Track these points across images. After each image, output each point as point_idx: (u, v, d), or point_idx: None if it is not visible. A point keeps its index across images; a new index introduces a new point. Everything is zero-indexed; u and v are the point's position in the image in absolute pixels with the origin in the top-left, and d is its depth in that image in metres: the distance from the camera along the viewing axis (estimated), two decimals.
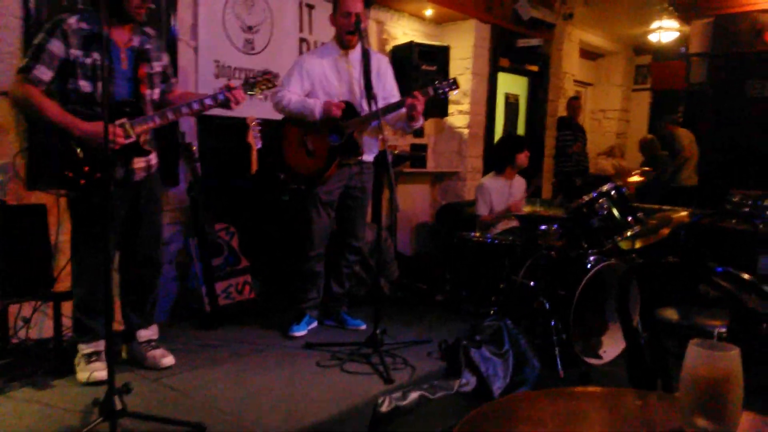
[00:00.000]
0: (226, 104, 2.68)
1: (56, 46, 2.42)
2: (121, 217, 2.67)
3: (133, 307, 2.85)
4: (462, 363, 2.83)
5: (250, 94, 2.80)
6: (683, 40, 6.93)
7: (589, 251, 3.42)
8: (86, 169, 2.46)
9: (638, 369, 2.90)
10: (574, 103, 6.81)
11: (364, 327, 3.57)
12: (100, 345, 2.62)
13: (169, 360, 2.85)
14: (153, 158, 2.76)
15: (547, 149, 6.58)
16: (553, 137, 6.64)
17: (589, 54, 8.22)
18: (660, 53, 7.89)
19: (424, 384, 2.70)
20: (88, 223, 2.56)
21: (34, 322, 2.94)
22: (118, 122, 2.48)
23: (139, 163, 2.66)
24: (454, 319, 3.80)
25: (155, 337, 2.91)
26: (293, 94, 3.28)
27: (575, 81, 7.40)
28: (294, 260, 3.62)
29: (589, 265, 3.20)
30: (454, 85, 3.27)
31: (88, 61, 2.47)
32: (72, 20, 2.45)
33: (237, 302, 3.67)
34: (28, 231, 2.76)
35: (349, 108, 3.30)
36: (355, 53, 3.36)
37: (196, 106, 2.63)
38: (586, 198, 3.51)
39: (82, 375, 2.60)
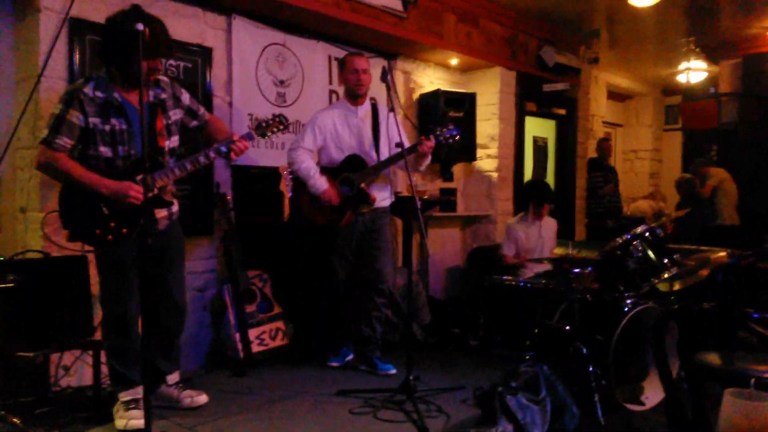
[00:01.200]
0: (227, 155, 2.77)
1: (75, 117, 2.53)
2: (146, 266, 2.70)
3: (162, 354, 2.90)
4: (498, 410, 2.76)
5: (262, 137, 2.96)
6: (712, 79, 6.91)
7: (626, 294, 3.36)
8: (112, 225, 2.56)
9: (678, 417, 2.81)
10: (604, 144, 6.79)
11: (394, 371, 3.57)
12: (139, 392, 2.66)
13: (203, 398, 2.94)
14: (174, 206, 2.83)
15: (578, 191, 6.54)
16: (584, 179, 6.60)
17: (617, 95, 8.23)
18: (689, 93, 7.86)
19: None
20: (113, 276, 2.65)
21: (74, 370, 3.00)
22: (138, 178, 2.56)
23: (161, 213, 2.75)
24: (488, 364, 3.74)
25: (178, 380, 2.97)
26: (307, 155, 3.54)
27: (604, 122, 7.40)
28: (325, 306, 3.76)
29: (626, 309, 3.14)
30: (455, 131, 3.52)
31: (107, 128, 2.58)
32: (87, 89, 2.55)
33: (270, 349, 3.69)
34: (69, 281, 2.85)
35: (357, 160, 3.56)
36: (364, 107, 3.65)
37: (202, 160, 2.73)
38: (619, 240, 3.46)
39: (120, 422, 2.63)
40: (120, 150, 2.59)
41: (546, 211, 4.39)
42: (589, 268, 3.67)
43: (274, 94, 4.20)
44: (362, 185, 3.53)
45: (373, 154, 3.59)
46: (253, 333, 3.62)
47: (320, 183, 3.52)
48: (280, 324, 3.78)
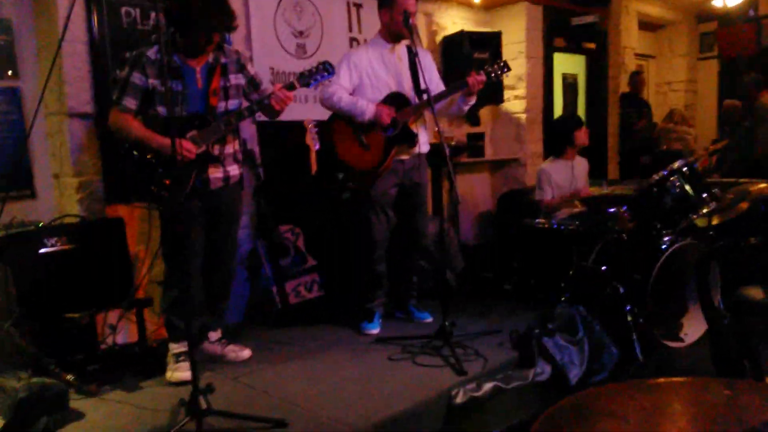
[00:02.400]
0: (269, 107, 2.78)
1: (138, 78, 2.65)
2: (203, 223, 2.81)
3: (210, 310, 2.97)
4: (535, 352, 2.78)
5: (305, 86, 2.88)
6: (751, 2, 6.53)
7: (663, 231, 3.29)
8: (167, 182, 2.62)
9: (723, 352, 2.78)
10: (636, 77, 6.54)
11: (430, 320, 3.57)
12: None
13: (247, 353, 3.03)
14: (233, 170, 2.88)
15: (611, 127, 6.34)
16: (616, 115, 6.40)
17: (648, 25, 7.86)
18: (726, 18, 7.45)
19: (497, 375, 2.68)
20: (173, 231, 2.71)
21: (120, 328, 3.10)
22: (188, 135, 2.65)
23: (215, 172, 2.79)
24: (523, 308, 3.73)
25: (221, 336, 3.06)
26: (344, 91, 3.26)
27: (636, 54, 7.10)
28: (357, 260, 3.62)
29: (664, 246, 3.08)
30: (506, 67, 3.27)
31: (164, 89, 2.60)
32: (150, 52, 2.66)
33: (306, 300, 3.75)
34: (108, 244, 2.92)
35: (400, 98, 3.30)
36: (401, 47, 3.40)
37: (245, 113, 2.76)
38: (656, 177, 3.37)
39: (170, 374, 2.74)
40: (175, 111, 2.66)
41: (585, 137, 4.21)
42: (624, 207, 3.60)
43: (294, 46, 4.12)
44: (408, 123, 3.29)
45: (413, 95, 3.35)
46: (289, 285, 3.67)
47: (366, 105, 3.22)
48: (314, 276, 3.83)
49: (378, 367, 2.88)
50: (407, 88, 3.36)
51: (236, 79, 2.84)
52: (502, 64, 3.28)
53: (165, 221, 2.80)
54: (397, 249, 3.58)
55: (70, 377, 2.55)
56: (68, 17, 3.01)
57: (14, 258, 2.62)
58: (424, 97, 3.09)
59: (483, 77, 3.21)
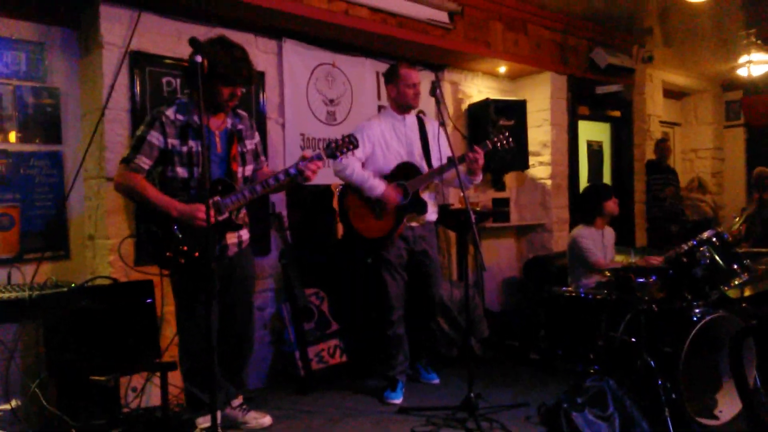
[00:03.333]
0: (302, 175, 2.75)
1: (155, 138, 2.65)
2: (218, 292, 2.78)
3: (230, 378, 2.96)
4: (564, 428, 2.70)
5: (332, 158, 2.93)
6: None
7: (694, 303, 3.22)
8: (184, 248, 2.62)
9: (758, 430, 2.66)
10: (662, 145, 6.55)
11: (437, 381, 3.66)
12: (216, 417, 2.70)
13: (268, 419, 3.00)
14: (244, 234, 2.90)
15: (637, 195, 6.32)
16: (642, 182, 6.39)
17: (674, 93, 7.95)
18: (751, 87, 7.50)
19: None
20: (189, 300, 2.72)
21: (143, 391, 3.10)
22: (211, 201, 2.61)
23: (231, 239, 2.82)
24: (550, 379, 3.65)
25: (242, 402, 3.02)
26: (357, 163, 3.38)
27: (661, 122, 7.15)
28: (379, 324, 3.64)
29: (695, 318, 3.01)
30: (510, 137, 3.43)
31: (185, 149, 2.68)
32: (169, 112, 2.68)
33: (329, 366, 3.71)
34: (136, 305, 2.95)
35: (410, 167, 3.45)
36: (411, 118, 3.58)
37: (272, 182, 2.75)
38: (685, 247, 3.33)
39: None
40: (195, 171, 2.67)
41: (616, 207, 4.19)
42: (654, 277, 3.54)
43: (325, 113, 4.26)
44: (419, 192, 3.42)
45: (424, 164, 3.50)
46: (312, 350, 3.65)
47: (378, 184, 3.34)
48: (337, 341, 3.81)
49: None
50: (417, 157, 3.51)
51: (250, 145, 2.91)
52: (506, 134, 3.44)
53: (178, 290, 2.78)
54: (414, 316, 3.65)
55: None
56: (112, 85, 3.20)
57: (46, 318, 2.67)
58: (433, 165, 3.35)
59: (481, 151, 3.32)
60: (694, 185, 6.98)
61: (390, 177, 3.46)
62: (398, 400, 3.37)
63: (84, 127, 3.40)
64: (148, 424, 2.88)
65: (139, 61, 3.31)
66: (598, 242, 4.18)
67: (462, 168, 3.33)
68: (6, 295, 2.75)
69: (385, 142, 3.49)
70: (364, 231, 3.44)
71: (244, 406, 3.00)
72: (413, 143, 3.53)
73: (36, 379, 2.69)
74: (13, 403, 2.74)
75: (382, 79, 4.56)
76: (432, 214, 3.58)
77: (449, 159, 3.31)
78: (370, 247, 3.55)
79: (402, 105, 3.55)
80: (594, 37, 5.74)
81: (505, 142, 3.42)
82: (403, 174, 3.45)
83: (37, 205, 3.27)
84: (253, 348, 3.07)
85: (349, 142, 2.90)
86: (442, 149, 3.49)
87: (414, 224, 3.49)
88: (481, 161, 3.33)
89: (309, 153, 2.80)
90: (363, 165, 3.48)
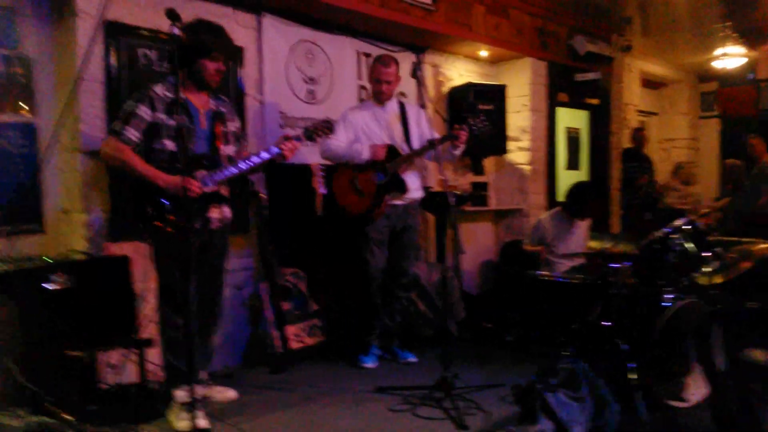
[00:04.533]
0: (281, 156, 2.87)
1: (144, 112, 2.68)
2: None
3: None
4: (537, 408, 2.74)
5: (310, 141, 3.04)
6: (751, 65, 6.71)
7: (665, 289, 3.29)
8: (171, 218, 2.64)
9: (725, 414, 2.76)
10: (639, 133, 6.65)
11: (414, 360, 3.75)
12: (196, 391, 2.66)
13: (232, 393, 3.03)
14: (227, 211, 2.93)
15: (613, 182, 6.42)
16: (618, 170, 6.48)
17: (651, 83, 8.05)
18: (726, 79, 7.64)
19: (499, 430, 2.64)
20: (171, 269, 2.71)
21: (120, 367, 3.07)
22: (197, 174, 2.69)
23: (214, 213, 2.83)
24: (525, 360, 3.70)
25: (206, 376, 3.03)
26: (341, 143, 3.60)
27: (638, 111, 7.24)
28: (357, 299, 3.78)
29: (666, 304, 3.08)
30: (486, 121, 3.57)
31: (172, 123, 2.69)
32: (158, 88, 2.73)
33: (308, 346, 3.72)
34: (113, 281, 2.92)
35: (392, 150, 3.62)
36: (391, 104, 3.75)
37: (255, 159, 2.83)
38: (657, 234, 3.40)
39: (182, 423, 2.62)
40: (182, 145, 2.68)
41: (587, 220, 4.40)
42: (627, 263, 3.61)
43: (305, 92, 4.22)
44: (397, 171, 3.58)
45: (405, 147, 3.67)
46: (290, 330, 3.66)
47: (360, 148, 3.57)
48: (316, 321, 3.81)
49: (378, 418, 2.85)
50: (398, 140, 3.68)
51: (233, 126, 2.98)
52: (483, 118, 3.57)
53: (161, 260, 2.77)
54: (388, 288, 3.77)
55: (69, 417, 2.51)
56: (86, 56, 3.11)
57: (20, 293, 2.61)
58: (413, 147, 3.59)
59: (466, 131, 3.49)
60: (683, 176, 7.04)
61: (372, 161, 3.60)
62: (371, 364, 3.60)
63: (57, 98, 3.30)
64: (126, 399, 2.86)
65: (114, 32, 3.23)
66: (564, 229, 4.29)
67: (443, 146, 3.51)
68: None
69: (368, 128, 3.68)
70: (348, 207, 3.63)
71: (209, 381, 3.00)
72: (393, 128, 3.70)
73: (11, 355, 2.64)
74: None
75: (363, 59, 4.54)
76: (416, 192, 3.74)
77: (429, 141, 3.50)
78: (352, 223, 3.68)
79: (375, 97, 3.74)
80: (574, 24, 5.77)
81: (481, 125, 3.54)
82: (386, 156, 3.59)
83: (9, 177, 3.18)
84: (220, 321, 3.05)
85: (326, 126, 3.06)
86: (423, 132, 3.70)
87: (398, 202, 3.64)
88: (465, 137, 3.49)
89: (290, 132, 2.94)
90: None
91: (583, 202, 4.36)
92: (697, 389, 3.12)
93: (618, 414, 2.80)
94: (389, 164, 3.57)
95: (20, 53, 3.21)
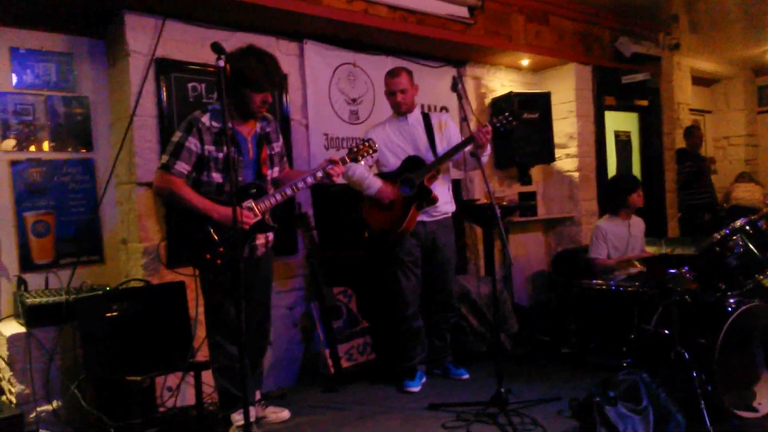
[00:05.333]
0: (327, 178, 2.88)
1: (193, 144, 2.72)
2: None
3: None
4: (597, 422, 2.66)
5: (354, 161, 3.04)
6: None
7: (728, 293, 3.15)
8: (221, 250, 2.69)
9: None
10: (693, 132, 6.42)
11: (467, 376, 3.67)
12: (250, 414, 2.74)
13: (286, 413, 3.07)
14: (270, 235, 2.97)
15: (668, 184, 6.21)
16: (673, 171, 6.27)
17: (703, 80, 7.78)
18: None
19: None
20: (220, 299, 2.79)
21: (178, 390, 3.16)
22: (245, 204, 2.73)
23: (260, 239, 2.88)
24: (582, 373, 3.60)
25: (260, 397, 3.08)
26: (359, 167, 3.47)
27: (691, 110, 7.00)
28: (393, 322, 3.69)
29: (730, 309, 2.95)
30: (511, 117, 3.42)
31: (220, 155, 2.75)
32: (204, 119, 2.76)
33: (359, 363, 3.74)
34: (170, 307, 3.01)
35: (415, 160, 3.54)
36: (413, 115, 3.67)
37: (301, 185, 2.85)
38: (717, 236, 3.26)
39: None
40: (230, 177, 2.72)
41: (640, 199, 4.17)
42: (686, 267, 3.47)
43: (347, 113, 4.28)
44: (424, 182, 3.48)
45: (431, 156, 3.56)
46: (341, 348, 3.68)
47: (373, 182, 3.50)
48: (367, 338, 3.83)
49: None
50: (423, 150, 3.59)
51: (277, 147, 3.00)
52: (508, 114, 3.44)
53: (210, 291, 2.84)
54: (431, 309, 3.70)
55: None
56: (140, 93, 3.27)
57: (83, 321, 2.74)
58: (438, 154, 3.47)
59: (489, 128, 3.37)
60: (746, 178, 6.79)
61: (399, 172, 3.56)
62: (416, 388, 3.49)
63: (113, 134, 3.48)
64: (184, 422, 2.94)
65: (164, 68, 3.37)
66: (623, 234, 4.14)
67: (469, 148, 3.42)
68: (44, 300, 2.84)
69: (390, 140, 3.63)
70: (374, 224, 3.57)
71: (263, 402, 3.05)
72: (417, 138, 3.62)
73: (75, 381, 2.77)
74: (55, 404, 2.82)
75: None
76: (447, 205, 3.64)
77: (454, 147, 3.47)
78: (381, 239, 3.60)
79: (395, 110, 3.70)
80: (618, 26, 5.65)
81: (505, 122, 3.43)
82: (408, 167, 3.54)
83: (71, 211, 3.37)
84: (267, 345, 3.14)
85: (369, 147, 3.05)
86: (451, 141, 3.60)
87: (426, 219, 3.56)
88: (485, 138, 3.37)
89: (336, 157, 2.92)
90: (376, 164, 3.68)
91: (617, 192, 4.20)
92: (767, 398, 2.96)
93: (683, 426, 2.69)
94: (414, 175, 3.48)
95: (78, 94, 3.42)
